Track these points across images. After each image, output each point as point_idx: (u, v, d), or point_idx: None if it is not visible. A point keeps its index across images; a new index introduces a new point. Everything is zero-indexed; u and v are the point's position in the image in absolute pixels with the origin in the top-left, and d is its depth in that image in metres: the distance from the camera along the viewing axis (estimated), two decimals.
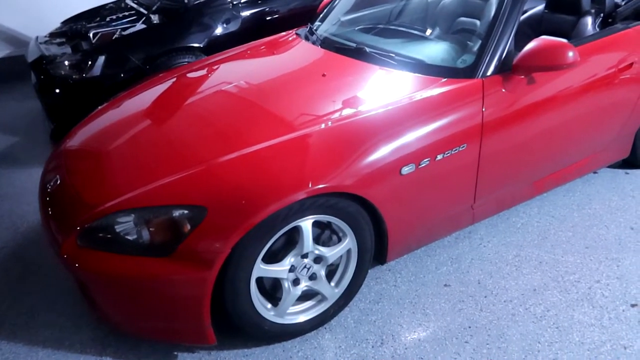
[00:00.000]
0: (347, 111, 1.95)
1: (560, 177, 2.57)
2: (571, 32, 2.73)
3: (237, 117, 2.08)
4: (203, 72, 2.67)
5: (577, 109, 2.36)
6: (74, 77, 3.38)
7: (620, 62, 2.46)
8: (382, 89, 2.11)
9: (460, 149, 2.01)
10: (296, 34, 2.90)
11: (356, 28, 2.79)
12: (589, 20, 2.68)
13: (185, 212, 1.68)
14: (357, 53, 2.37)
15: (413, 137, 1.90)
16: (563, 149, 2.46)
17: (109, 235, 1.75)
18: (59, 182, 2.03)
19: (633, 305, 2.05)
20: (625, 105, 2.58)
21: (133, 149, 2.07)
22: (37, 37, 3.92)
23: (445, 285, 2.20)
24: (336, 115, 1.93)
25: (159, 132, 2.15)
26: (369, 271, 2.26)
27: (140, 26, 3.62)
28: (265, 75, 2.42)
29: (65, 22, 4.22)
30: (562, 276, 2.22)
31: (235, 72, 2.58)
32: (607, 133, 2.62)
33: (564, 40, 2.42)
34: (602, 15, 2.74)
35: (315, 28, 2.84)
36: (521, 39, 2.84)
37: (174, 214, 1.69)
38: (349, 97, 2.07)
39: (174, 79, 2.64)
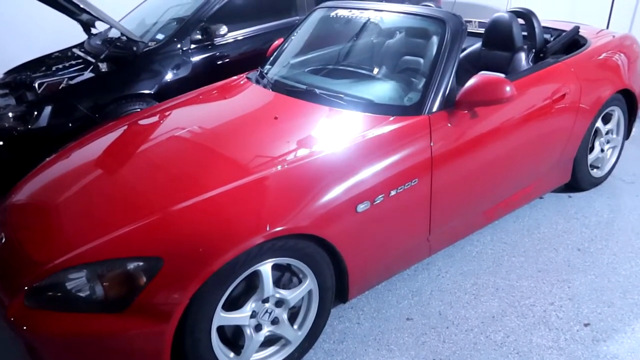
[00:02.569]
0: (300, 153, 1.98)
1: (508, 205, 2.68)
2: (507, 67, 2.90)
3: (190, 163, 2.07)
4: (154, 119, 2.65)
5: (518, 139, 2.49)
6: (18, 128, 3.28)
7: (554, 93, 2.62)
8: (334, 130, 2.16)
9: (413, 184, 2.07)
10: (247, 77, 2.95)
11: (306, 70, 2.87)
12: (522, 55, 2.86)
13: (141, 264, 1.64)
14: (308, 95, 2.42)
15: (366, 174, 1.95)
16: (508, 177, 2.57)
17: (59, 294, 1.67)
18: (3, 240, 1.94)
19: (586, 325, 2.13)
20: (562, 132, 2.74)
21: (84, 201, 2.01)
22: None
23: (408, 319, 2.22)
24: (290, 157, 1.96)
25: (110, 182, 2.11)
26: (332, 310, 2.24)
27: (88, 75, 3.58)
28: (217, 120, 2.44)
29: (8, 73, 4.11)
30: (519, 301, 2.28)
31: (187, 118, 2.58)
32: (548, 160, 2.76)
33: (502, 76, 2.58)
34: (534, 50, 2.94)
35: (265, 71, 2.90)
36: (463, 75, 3.00)
37: (128, 267, 1.65)
38: (302, 139, 2.11)
39: (125, 127, 2.61)
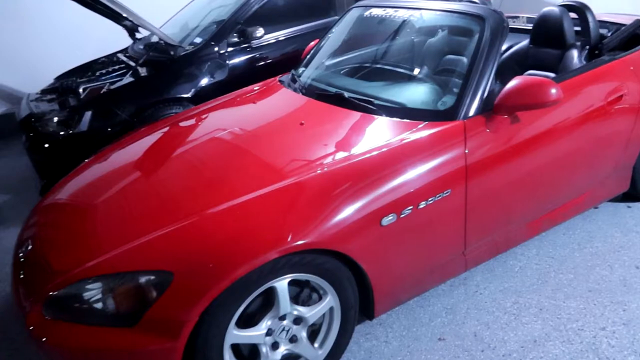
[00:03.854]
0: (321, 162, 1.87)
1: (556, 217, 2.46)
2: (558, 66, 2.67)
3: (207, 173, 2.01)
4: (184, 124, 2.63)
5: (567, 145, 2.27)
6: (61, 133, 3.37)
7: (610, 94, 2.38)
8: (360, 137, 2.04)
9: (445, 195, 1.92)
10: (279, 80, 2.87)
11: (339, 72, 2.76)
12: (574, 53, 2.62)
13: (152, 277, 1.59)
14: (337, 99, 2.31)
15: (392, 185, 1.82)
16: (556, 187, 2.36)
17: (76, 305, 1.65)
18: (30, 244, 1.96)
19: None
20: (619, 138, 2.48)
21: (111, 207, 2.00)
22: (28, 95, 3.95)
23: (440, 339, 2.07)
24: (310, 166, 1.85)
25: (140, 186, 2.09)
26: (359, 326, 2.14)
27: (127, 79, 3.63)
28: (243, 126, 2.36)
29: (58, 78, 4.26)
30: (565, 324, 2.08)
31: (214, 124, 2.53)
32: (603, 168, 2.52)
33: (549, 75, 2.38)
34: (587, 47, 2.69)
35: (298, 74, 2.81)
36: (508, 75, 2.79)
37: (140, 280, 1.60)
38: (325, 147, 2.00)
39: (160, 131, 2.60)
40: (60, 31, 5.39)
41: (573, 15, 2.72)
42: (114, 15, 3.69)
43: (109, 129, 3.42)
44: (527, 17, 3.22)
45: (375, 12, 2.77)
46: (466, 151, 1.96)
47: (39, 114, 3.50)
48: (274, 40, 3.99)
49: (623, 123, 2.46)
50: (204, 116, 2.66)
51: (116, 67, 4.05)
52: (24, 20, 5.27)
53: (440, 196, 1.91)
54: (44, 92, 4.02)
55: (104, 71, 4.02)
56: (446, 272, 2.17)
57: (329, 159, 1.89)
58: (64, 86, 3.86)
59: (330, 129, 2.14)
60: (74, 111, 3.43)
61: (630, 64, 2.50)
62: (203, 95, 3.56)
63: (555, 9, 2.64)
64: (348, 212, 1.73)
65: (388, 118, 2.11)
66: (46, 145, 3.39)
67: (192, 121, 2.65)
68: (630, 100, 2.44)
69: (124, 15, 3.55)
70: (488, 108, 2.06)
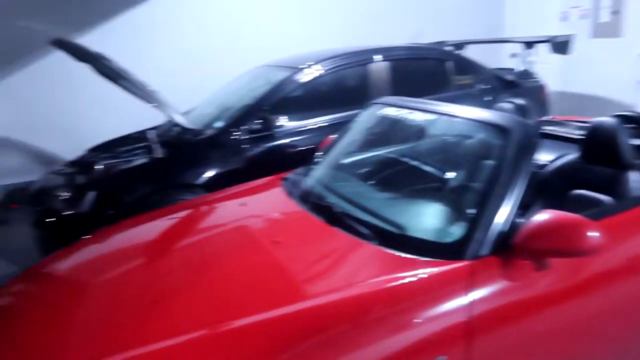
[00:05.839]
0: (270, 304, 1.47)
1: None
2: (614, 189, 2.17)
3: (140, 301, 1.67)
4: (167, 221, 2.37)
5: (608, 304, 1.74)
6: (64, 211, 3.22)
7: None
8: (334, 272, 1.63)
9: None
10: (283, 178, 2.56)
11: (350, 174, 2.43)
12: (635, 175, 2.12)
13: None
14: (327, 214, 1.94)
15: (358, 347, 1.38)
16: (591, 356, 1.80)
17: None
18: None
19: None
20: None
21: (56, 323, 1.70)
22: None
23: None
24: (253, 310, 1.46)
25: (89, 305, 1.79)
26: None
27: (140, 160, 3.47)
28: (213, 238, 2.03)
29: (91, 150, 4.18)
30: None
31: (195, 225, 2.25)
32: None
33: (600, 198, 1.92)
34: None
35: (305, 173, 2.49)
36: (551, 194, 2.34)
37: None
38: (285, 282, 1.61)
39: (152, 223, 2.35)
40: (112, 100, 5.46)
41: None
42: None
43: (111, 212, 3.22)
44: (579, 124, 2.75)
45: (393, 112, 2.44)
46: (470, 301, 1.50)
47: (48, 188, 3.39)
48: (302, 129, 3.73)
49: None
50: (192, 212, 2.39)
51: (141, 144, 3.93)
52: (77, 87, 5.36)
53: None
54: (70, 163, 3.95)
55: (129, 147, 3.91)
56: None
57: (282, 301, 1.49)
58: (85, 160, 3.78)
59: (306, 255, 1.76)
60: (79, 189, 3.29)
61: None
62: (215, 183, 3.31)
63: (607, 120, 2.18)
64: None
65: (379, 247, 1.70)
66: (48, 221, 3.24)
67: (181, 215, 2.39)
68: None
69: (144, 97, 3.43)
70: (506, 247, 1.61)
